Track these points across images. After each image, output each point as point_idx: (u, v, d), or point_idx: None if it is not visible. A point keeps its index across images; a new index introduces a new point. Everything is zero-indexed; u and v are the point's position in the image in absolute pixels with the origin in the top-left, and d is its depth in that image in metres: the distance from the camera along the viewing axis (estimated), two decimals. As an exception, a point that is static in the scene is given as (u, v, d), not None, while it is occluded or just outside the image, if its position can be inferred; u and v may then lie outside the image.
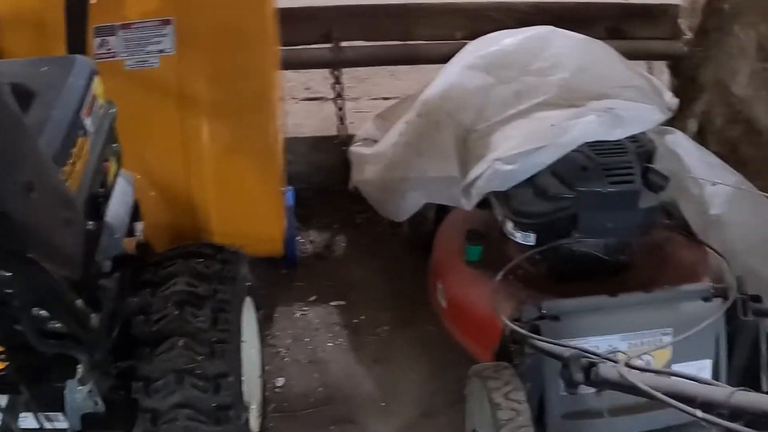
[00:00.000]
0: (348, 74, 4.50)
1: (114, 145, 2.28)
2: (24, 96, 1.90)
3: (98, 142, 2.12)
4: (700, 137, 3.96)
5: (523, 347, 2.45)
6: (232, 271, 2.51)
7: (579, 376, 2.06)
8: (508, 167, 2.74)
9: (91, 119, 2.07)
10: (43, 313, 1.92)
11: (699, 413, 1.50)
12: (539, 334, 2.45)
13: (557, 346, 2.23)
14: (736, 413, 1.43)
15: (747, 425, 1.41)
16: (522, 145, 2.74)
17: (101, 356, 2.13)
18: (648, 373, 1.79)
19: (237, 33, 2.80)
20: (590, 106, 2.88)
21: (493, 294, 2.60)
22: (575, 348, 2.15)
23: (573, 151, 2.75)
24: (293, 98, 4.51)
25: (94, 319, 2.03)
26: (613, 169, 2.75)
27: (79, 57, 2.18)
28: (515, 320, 2.51)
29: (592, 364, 2.04)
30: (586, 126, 2.74)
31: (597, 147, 2.81)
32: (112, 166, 2.26)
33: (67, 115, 1.96)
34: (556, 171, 2.76)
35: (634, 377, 1.76)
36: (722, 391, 1.47)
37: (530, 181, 2.77)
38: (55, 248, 1.75)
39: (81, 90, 2.06)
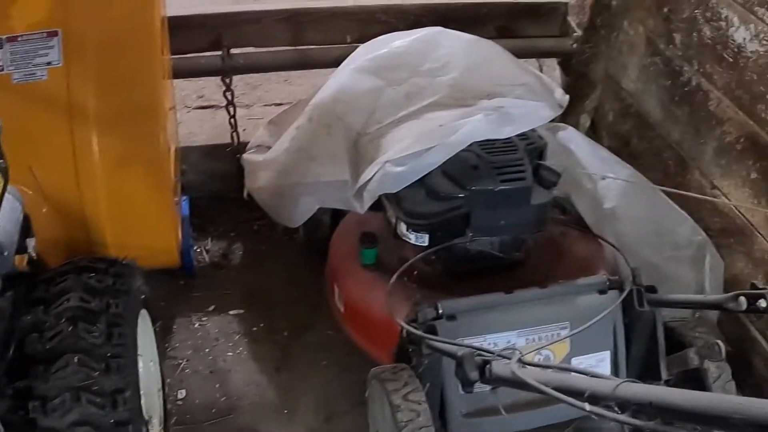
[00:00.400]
0: (241, 81, 4.51)
1: (0, 161, 2.22)
2: None
3: (-20, 160, 2.07)
4: (593, 132, 4.02)
5: (421, 348, 2.46)
6: (125, 285, 2.47)
7: (473, 374, 2.07)
8: (399, 169, 2.74)
9: (-28, 137, 2.03)
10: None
11: (587, 406, 1.51)
12: (435, 334, 2.46)
13: (452, 346, 2.23)
14: (622, 405, 1.44)
15: (633, 415, 1.42)
16: (412, 147, 2.74)
17: None
18: (539, 369, 1.80)
19: (124, 43, 2.76)
20: (480, 106, 2.89)
21: (387, 296, 2.60)
22: (469, 346, 2.15)
23: (463, 150, 2.76)
24: (186, 107, 4.47)
25: None
26: (504, 167, 2.78)
27: (-39, 72, 2.13)
28: (412, 321, 2.52)
29: (486, 362, 2.05)
30: (475, 125, 2.75)
31: (487, 146, 2.83)
32: (-2, 182, 2.20)
33: (-57, 131, 1.91)
34: (447, 171, 2.77)
35: (525, 374, 1.77)
36: (608, 384, 1.48)
37: (422, 182, 2.77)
38: None
39: None
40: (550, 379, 1.69)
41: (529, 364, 1.88)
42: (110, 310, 2.34)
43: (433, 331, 2.48)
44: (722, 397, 1.26)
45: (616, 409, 1.47)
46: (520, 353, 1.94)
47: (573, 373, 1.70)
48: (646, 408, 1.38)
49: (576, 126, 3.92)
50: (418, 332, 2.43)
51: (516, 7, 3.86)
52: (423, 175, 2.76)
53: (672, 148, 3.45)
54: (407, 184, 2.77)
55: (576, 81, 3.94)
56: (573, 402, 1.55)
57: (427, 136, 2.75)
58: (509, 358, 1.92)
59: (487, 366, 2.03)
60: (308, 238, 3.63)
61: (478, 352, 2.10)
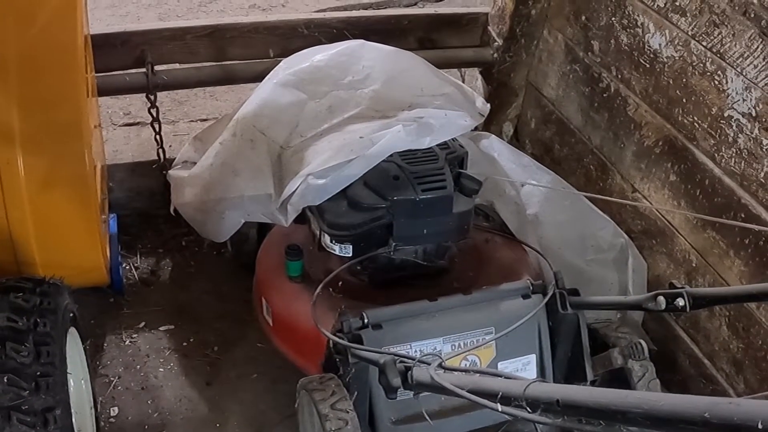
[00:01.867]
0: (167, 97, 4.52)
1: None
2: None
3: None
4: (516, 140, 4.08)
5: (347, 357, 2.49)
6: (52, 304, 2.48)
7: (395, 381, 2.11)
8: (321, 181, 2.76)
9: None
10: None
11: (499, 407, 1.54)
12: (361, 344, 2.48)
13: (375, 354, 2.26)
14: (533, 404, 1.47)
15: (542, 414, 1.46)
16: (332, 159, 2.76)
17: None
18: (458, 374, 1.83)
19: (46, 61, 2.73)
20: (400, 117, 2.93)
21: (312, 308, 2.62)
22: (391, 353, 2.18)
23: (384, 161, 2.80)
24: (113, 124, 4.46)
25: None
26: (425, 177, 2.81)
27: None
28: (338, 331, 2.54)
29: (408, 368, 2.08)
30: (394, 136, 2.78)
31: (408, 156, 2.86)
32: None
33: None
34: (369, 182, 2.80)
35: (442, 378, 1.80)
36: (518, 384, 1.52)
37: (344, 193, 2.81)
38: None
39: None
40: (466, 382, 1.72)
41: (450, 369, 1.92)
42: (38, 329, 2.34)
43: (358, 340, 2.51)
44: (622, 392, 1.30)
45: (527, 409, 1.50)
46: (441, 358, 1.97)
47: (487, 376, 1.73)
48: (553, 407, 1.41)
49: (499, 134, 3.98)
50: (343, 342, 2.45)
51: (437, 19, 3.89)
52: (345, 186, 2.79)
53: (593, 153, 3.52)
54: (329, 197, 2.80)
55: (498, 90, 3.99)
56: (486, 403, 1.59)
57: (347, 149, 2.78)
58: (429, 364, 1.96)
59: (409, 372, 2.06)
60: (236, 253, 3.65)
61: (401, 358, 2.13)
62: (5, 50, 2.66)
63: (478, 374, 1.80)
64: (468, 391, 1.66)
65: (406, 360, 2.11)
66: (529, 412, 1.48)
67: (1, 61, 2.65)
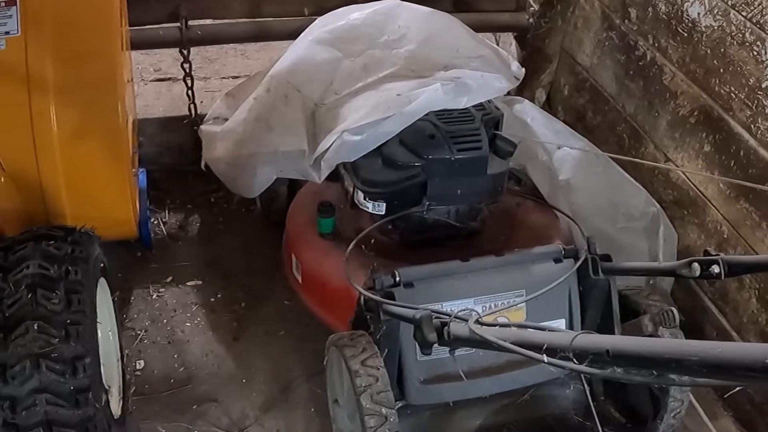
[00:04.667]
0: (198, 55, 4.50)
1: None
2: None
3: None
4: (549, 106, 4.06)
5: (378, 314, 2.48)
6: (83, 253, 2.47)
7: (432, 336, 2.10)
8: (356, 138, 2.76)
9: None
10: None
11: (545, 358, 1.53)
12: (393, 300, 2.48)
13: (410, 310, 2.25)
14: (580, 355, 1.46)
15: (590, 365, 1.45)
16: (369, 116, 2.76)
17: None
18: (496, 327, 1.82)
19: (82, 14, 2.75)
20: (436, 77, 2.91)
21: (345, 263, 2.61)
22: (427, 309, 2.18)
23: (420, 120, 2.79)
24: (143, 79, 4.45)
25: None
26: (460, 137, 2.79)
27: None
28: (369, 288, 2.54)
29: (444, 324, 2.07)
30: (432, 95, 2.77)
31: (444, 116, 2.85)
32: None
33: None
34: (404, 140, 2.79)
35: (483, 331, 1.79)
36: (565, 336, 1.51)
37: (379, 151, 2.80)
38: None
39: None
40: (508, 335, 1.71)
41: (486, 324, 1.91)
42: (69, 277, 2.34)
43: (391, 297, 2.50)
44: (674, 341, 1.29)
45: (574, 360, 1.49)
46: (479, 314, 1.96)
47: (530, 329, 1.72)
48: (602, 357, 1.40)
49: (532, 99, 3.96)
50: (377, 297, 2.44)
51: (472, -18, 3.88)
52: (380, 144, 2.78)
53: (627, 121, 3.50)
54: (364, 153, 2.80)
55: (532, 55, 3.98)
56: (532, 355, 1.57)
57: (384, 106, 2.77)
58: (466, 320, 1.95)
59: (445, 327, 2.06)
60: (265, 210, 3.65)
61: (436, 314, 2.13)
62: (43, 2, 2.67)
63: (517, 329, 1.78)
64: (512, 343, 1.65)
65: (442, 316, 2.10)
66: (576, 364, 1.47)
67: (37, 12, 2.67)
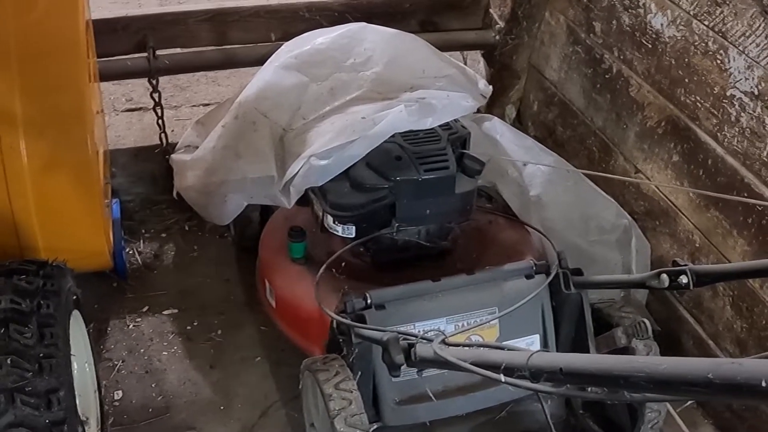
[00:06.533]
0: (169, 83, 4.52)
1: None
2: None
3: None
4: (519, 122, 4.08)
5: (350, 338, 2.49)
6: (55, 285, 2.48)
7: (399, 357, 2.11)
8: (323, 162, 2.76)
9: None
10: None
11: (503, 378, 1.54)
12: (364, 323, 2.48)
13: (378, 332, 2.26)
14: (535, 374, 1.47)
15: (545, 384, 1.46)
16: (334, 140, 2.76)
17: None
18: (460, 348, 1.82)
19: (48, 47, 2.74)
20: (402, 98, 2.92)
21: (315, 287, 2.62)
22: (394, 331, 2.18)
23: (386, 142, 2.79)
24: (115, 110, 4.45)
25: None
26: (427, 157, 2.80)
27: None
28: (341, 312, 2.54)
29: (411, 345, 2.07)
30: (396, 116, 2.77)
31: (410, 137, 2.86)
32: None
33: None
34: (371, 163, 2.80)
35: (445, 352, 1.80)
36: (521, 355, 1.52)
37: (346, 174, 2.80)
38: None
39: None
40: (469, 355, 1.72)
41: (453, 345, 1.92)
42: (41, 311, 2.34)
43: (362, 320, 2.51)
44: (624, 358, 1.30)
45: (531, 379, 1.50)
46: (444, 335, 1.97)
47: (490, 349, 1.73)
48: (557, 375, 1.41)
49: (502, 116, 3.98)
50: (347, 321, 2.45)
51: (438, 1, 3.88)
52: (347, 167, 2.79)
53: (596, 134, 3.52)
54: (332, 177, 2.80)
55: (500, 72, 3.99)
56: (489, 374, 1.58)
57: (349, 129, 2.78)
58: (432, 340, 1.96)
59: (412, 349, 2.06)
60: (239, 237, 3.66)
61: (404, 335, 2.13)
62: (6, 36, 2.67)
63: (481, 348, 1.79)
64: (471, 364, 1.66)
65: (409, 337, 2.11)
66: (532, 382, 1.48)
67: (2, 46, 2.66)
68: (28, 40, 2.70)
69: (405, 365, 2.12)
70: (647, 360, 1.22)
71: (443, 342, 1.91)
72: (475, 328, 2.64)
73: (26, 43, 2.70)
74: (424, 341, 2.02)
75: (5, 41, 2.67)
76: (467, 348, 1.80)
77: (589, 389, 1.47)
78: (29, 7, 2.74)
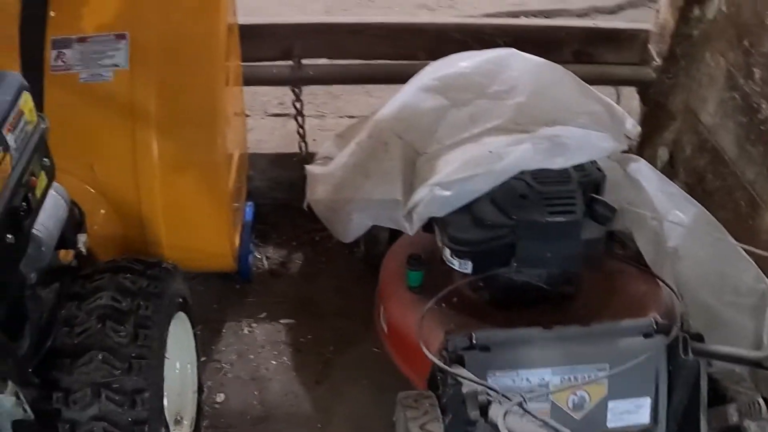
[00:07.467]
0: (322, 89, 4.55)
1: (45, 159, 2.27)
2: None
3: (23, 158, 2.11)
4: (671, 165, 3.92)
5: (447, 377, 2.41)
6: (158, 288, 2.51)
7: (474, 414, 2.04)
8: (446, 193, 2.71)
9: (13, 135, 2.06)
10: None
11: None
12: (463, 365, 2.41)
13: (465, 380, 2.19)
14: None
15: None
16: (459, 171, 2.71)
17: (12, 368, 2.11)
18: (525, 419, 1.74)
19: (186, 49, 2.82)
20: (538, 133, 2.84)
21: (419, 322, 2.56)
22: (481, 383, 2.11)
23: (514, 178, 2.72)
24: (264, 113, 4.50)
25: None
26: (554, 199, 2.71)
27: (9, 73, 2.17)
28: (444, 349, 2.47)
29: (489, 402, 2.00)
30: (523, 154, 2.70)
31: (539, 176, 2.76)
32: (41, 180, 2.25)
33: (-16, 131, 1.96)
34: (495, 199, 2.72)
35: (508, 423, 1.71)
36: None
37: (468, 207, 2.74)
38: None
39: (5, 105, 2.06)
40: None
41: (529, 413, 1.83)
42: (139, 312, 2.39)
43: (460, 361, 2.43)
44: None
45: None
46: (523, 398, 1.88)
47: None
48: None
49: (654, 158, 3.83)
50: (437, 361, 2.38)
51: (595, 32, 3.79)
52: (469, 200, 2.72)
53: (745, 188, 3.34)
54: (454, 209, 2.74)
55: (654, 111, 3.85)
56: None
57: (475, 162, 2.72)
58: (510, 400, 1.87)
59: (490, 406, 1.99)
60: (366, 254, 3.62)
61: (486, 390, 2.05)
62: (149, 35, 2.75)
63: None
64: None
65: (489, 393, 2.03)
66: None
67: (144, 46, 2.75)
68: (168, 40, 2.79)
69: (482, 421, 2.05)
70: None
71: (521, 406, 1.82)
72: (582, 384, 2.53)
73: (166, 44, 2.78)
74: (498, 403, 1.93)
75: (148, 40, 2.74)
76: (535, 423, 1.70)
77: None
78: (172, 9, 2.80)
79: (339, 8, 5.46)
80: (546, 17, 5.85)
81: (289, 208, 3.88)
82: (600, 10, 6.13)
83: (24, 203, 2.13)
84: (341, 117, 4.54)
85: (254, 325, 3.43)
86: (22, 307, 2.19)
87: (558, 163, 2.76)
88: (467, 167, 2.71)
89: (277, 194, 3.95)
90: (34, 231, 2.20)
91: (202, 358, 2.98)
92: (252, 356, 3.30)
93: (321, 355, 3.32)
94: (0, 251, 2.02)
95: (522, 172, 2.73)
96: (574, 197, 2.72)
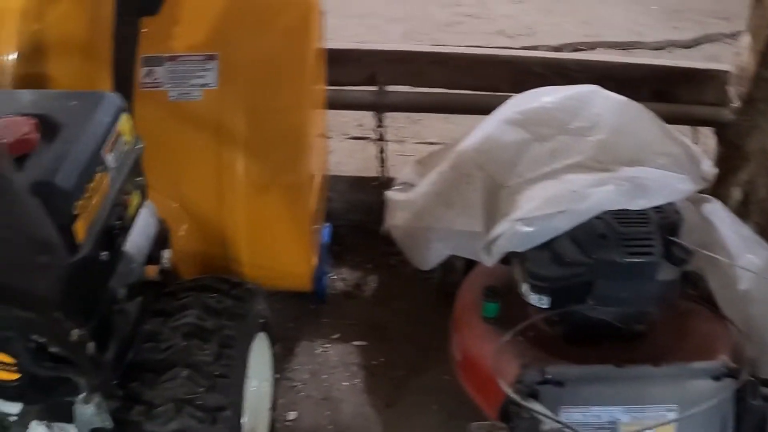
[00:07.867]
0: (402, 114, 4.56)
1: (138, 178, 2.34)
2: (50, 128, 2.01)
3: (119, 177, 2.19)
4: (744, 207, 3.93)
5: (520, 410, 2.46)
6: (242, 308, 2.57)
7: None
8: (527, 229, 2.75)
9: (113, 155, 2.14)
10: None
11: None
12: (537, 399, 2.45)
13: (545, 417, 2.23)
14: None
15: None
16: (542, 208, 2.75)
17: (100, 380, 2.18)
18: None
19: (275, 71, 2.87)
20: (619, 173, 2.87)
21: (494, 355, 2.61)
22: (559, 421, 2.15)
23: (594, 217, 2.75)
24: (343, 135, 4.55)
25: (90, 347, 2.08)
26: (632, 240, 2.74)
27: (108, 94, 2.25)
28: (518, 382, 2.52)
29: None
30: (605, 195, 2.74)
31: (619, 215, 2.79)
32: (134, 198, 2.32)
33: (87, 151, 2.03)
34: (575, 237, 2.76)
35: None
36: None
37: (548, 244, 2.77)
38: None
39: (105, 127, 2.13)
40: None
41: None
42: (224, 331, 2.44)
43: (534, 395, 2.48)
44: None
45: None
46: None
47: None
48: None
49: (727, 197, 3.83)
50: (513, 395, 2.43)
51: (674, 72, 3.80)
52: (550, 237, 2.76)
53: (815, 230, 3.36)
54: (534, 245, 2.78)
55: (730, 153, 3.86)
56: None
57: (558, 200, 2.76)
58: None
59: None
60: (442, 281, 3.66)
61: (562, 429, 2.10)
62: (239, 56, 2.80)
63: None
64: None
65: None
66: None
67: (233, 68, 2.79)
68: (257, 62, 2.84)
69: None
70: None
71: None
72: (652, 426, 2.57)
73: (255, 65, 2.83)
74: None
75: (237, 61, 2.80)
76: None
77: None
78: (263, 31, 2.85)
79: (418, 32, 5.52)
80: (623, 49, 5.86)
81: (366, 230, 3.93)
82: (676, 44, 6.13)
83: (118, 221, 2.20)
84: (421, 143, 4.58)
85: (327, 345, 3.49)
86: (109, 321, 2.24)
87: (639, 204, 2.79)
88: (550, 205, 2.75)
89: (354, 216, 4.00)
90: (125, 248, 2.27)
91: (276, 375, 3.03)
92: (325, 376, 3.35)
93: (392, 379, 3.36)
94: (94, 268, 2.08)
95: (603, 212, 2.77)
96: (652, 239, 2.76)
